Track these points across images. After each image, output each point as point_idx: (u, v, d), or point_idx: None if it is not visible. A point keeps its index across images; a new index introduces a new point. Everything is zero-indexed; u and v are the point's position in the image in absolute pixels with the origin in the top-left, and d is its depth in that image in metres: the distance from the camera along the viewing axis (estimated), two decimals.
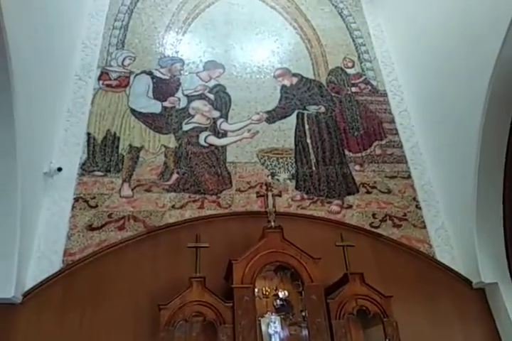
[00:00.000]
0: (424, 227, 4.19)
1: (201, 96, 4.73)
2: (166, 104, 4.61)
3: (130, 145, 4.29)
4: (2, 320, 3.19)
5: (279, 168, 4.37)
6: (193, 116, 4.57)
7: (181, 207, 3.98)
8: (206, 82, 4.85)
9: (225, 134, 4.52)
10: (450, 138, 4.19)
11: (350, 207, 4.21)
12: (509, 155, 3.55)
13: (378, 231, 4.08)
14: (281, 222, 3.40)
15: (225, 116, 4.64)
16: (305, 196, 4.22)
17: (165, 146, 4.34)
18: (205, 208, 4.01)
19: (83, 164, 4.10)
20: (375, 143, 4.70)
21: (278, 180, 4.28)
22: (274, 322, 3.10)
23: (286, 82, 5.04)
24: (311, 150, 4.54)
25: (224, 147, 4.43)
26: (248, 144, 4.48)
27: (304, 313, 3.06)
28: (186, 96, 4.71)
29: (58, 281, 3.43)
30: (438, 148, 4.45)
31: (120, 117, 4.45)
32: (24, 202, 3.19)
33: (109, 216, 3.85)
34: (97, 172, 4.08)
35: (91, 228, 3.76)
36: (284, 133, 4.61)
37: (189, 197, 4.05)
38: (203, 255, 3.21)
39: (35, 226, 3.61)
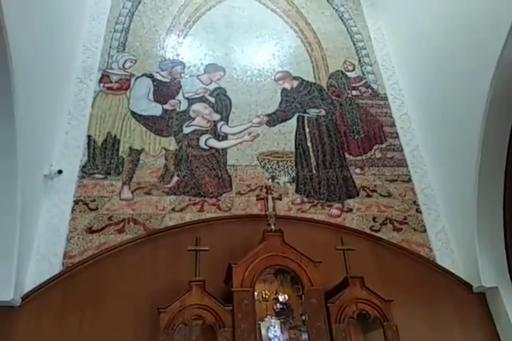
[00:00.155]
0: (425, 231, 4.19)
1: (202, 99, 4.74)
2: (167, 106, 4.62)
3: (130, 148, 4.29)
4: (1, 323, 3.18)
5: (280, 171, 4.37)
6: (193, 119, 4.57)
7: (181, 210, 3.97)
8: (207, 85, 4.86)
9: (225, 137, 4.52)
10: (451, 142, 4.19)
11: (350, 210, 4.21)
12: (510, 158, 3.55)
13: (378, 234, 4.07)
14: (282, 225, 3.40)
15: (225, 119, 4.65)
16: (305, 199, 4.22)
17: (165, 149, 4.34)
18: (205, 211, 4.00)
19: (83, 166, 4.09)
20: (375, 147, 4.70)
21: (278, 183, 4.28)
22: (274, 326, 3.09)
23: (287, 85, 5.05)
24: (311, 154, 4.54)
25: (224, 150, 4.43)
26: (248, 147, 4.48)
27: (303, 317, 3.06)
28: (187, 99, 4.72)
29: (58, 284, 3.42)
30: (438, 152, 4.45)
31: (121, 120, 4.46)
32: (24, 205, 3.19)
33: (109, 219, 3.84)
34: (97, 175, 4.08)
35: (91, 231, 3.76)
36: (284, 137, 4.62)
37: (189, 200, 4.05)
38: (203, 258, 3.21)
39: (35, 229, 3.61)
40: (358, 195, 4.33)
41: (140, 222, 3.86)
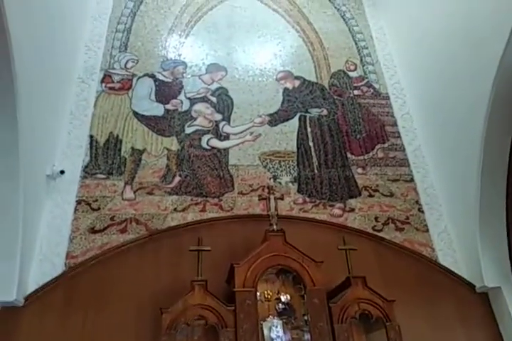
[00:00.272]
0: (427, 231, 4.18)
1: (204, 99, 4.74)
2: (169, 106, 4.62)
3: (132, 148, 4.30)
4: (4, 323, 3.19)
5: (281, 171, 4.37)
6: (195, 119, 4.57)
7: (183, 210, 3.98)
8: (209, 85, 4.86)
9: (227, 137, 4.52)
10: (453, 141, 4.18)
11: (352, 210, 4.21)
12: None
13: (381, 234, 4.07)
14: (284, 225, 3.39)
15: (227, 118, 4.65)
16: (307, 199, 4.22)
17: (167, 149, 4.34)
18: (207, 211, 4.00)
19: (86, 167, 4.10)
20: (377, 146, 4.70)
21: (280, 183, 4.28)
22: (276, 326, 3.09)
23: (289, 85, 5.05)
24: (313, 153, 4.54)
25: (226, 150, 4.43)
26: (250, 147, 4.48)
27: (306, 317, 3.05)
28: (189, 99, 4.72)
29: (60, 284, 3.43)
30: (441, 152, 4.44)
31: (123, 120, 4.46)
32: (26, 205, 3.20)
33: (112, 219, 3.85)
34: (99, 175, 4.08)
35: (93, 231, 3.76)
36: (286, 136, 4.61)
37: (191, 200, 4.05)
38: (205, 258, 3.21)
39: (38, 229, 3.62)
40: (360, 194, 4.33)
41: (142, 222, 3.87)
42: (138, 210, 3.93)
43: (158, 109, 4.59)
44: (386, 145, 4.73)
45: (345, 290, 3.17)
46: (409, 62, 5.15)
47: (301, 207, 4.15)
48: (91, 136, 4.29)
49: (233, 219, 3.96)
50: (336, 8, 5.92)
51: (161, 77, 4.84)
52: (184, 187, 4.13)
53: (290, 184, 4.29)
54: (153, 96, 4.68)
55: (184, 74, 4.92)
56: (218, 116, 4.64)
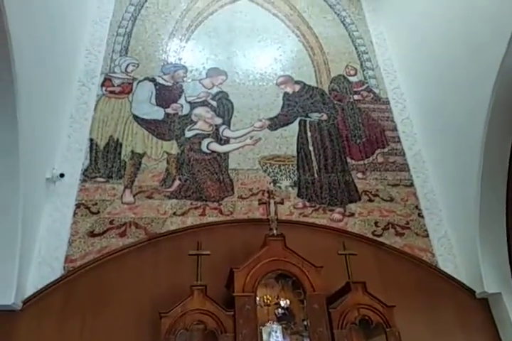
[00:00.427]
0: (427, 236, 4.17)
1: (204, 103, 4.74)
2: (169, 110, 4.63)
3: (132, 152, 4.30)
4: (2, 326, 3.17)
5: (281, 175, 4.37)
6: (195, 123, 4.58)
7: (183, 214, 3.97)
8: (209, 89, 4.87)
9: (227, 141, 4.52)
10: (453, 146, 4.18)
11: (352, 215, 4.20)
12: None
13: (380, 239, 4.06)
14: (283, 229, 3.39)
15: (227, 123, 4.65)
16: (307, 203, 4.21)
17: (167, 153, 4.34)
18: (207, 215, 4.00)
19: (85, 170, 4.10)
20: (377, 151, 4.70)
21: (280, 187, 4.28)
22: (276, 332, 3.07)
23: (289, 90, 5.06)
24: (313, 158, 4.54)
25: (226, 154, 4.43)
26: (250, 151, 4.48)
27: (305, 322, 3.04)
28: (189, 103, 4.72)
29: (59, 288, 3.42)
30: (441, 156, 4.44)
31: (123, 123, 4.47)
32: (26, 208, 3.19)
33: (111, 222, 3.84)
34: (99, 179, 4.08)
35: (92, 234, 3.75)
36: (286, 141, 4.62)
37: (191, 204, 4.05)
38: (204, 262, 3.20)
39: (37, 232, 3.61)
40: (359, 199, 4.32)
41: (141, 225, 3.86)
42: (137, 214, 3.92)
43: (158, 113, 4.59)
44: (386, 150, 4.73)
45: (345, 296, 3.16)
46: (409, 67, 5.16)
47: (301, 212, 4.14)
48: (91, 140, 4.29)
49: (233, 224, 3.95)
50: (336, 13, 5.95)
51: (161, 81, 4.85)
52: (184, 191, 4.12)
53: (290, 188, 4.29)
54: (153, 100, 4.68)
55: (184, 79, 4.93)
56: (218, 120, 4.65)
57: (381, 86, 5.26)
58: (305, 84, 5.13)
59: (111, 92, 4.67)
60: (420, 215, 4.30)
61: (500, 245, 3.70)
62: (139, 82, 4.81)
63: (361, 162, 4.59)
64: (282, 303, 3.22)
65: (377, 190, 4.40)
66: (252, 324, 2.90)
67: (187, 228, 3.86)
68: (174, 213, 3.97)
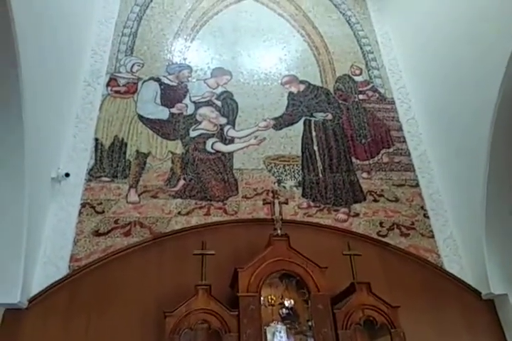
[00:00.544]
0: (432, 237, 4.15)
1: (208, 103, 4.74)
2: (174, 110, 4.63)
3: (137, 151, 4.31)
4: (8, 325, 3.19)
5: (286, 175, 4.36)
6: (200, 123, 4.58)
7: (187, 214, 3.97)
8: (214, 89, 4.87)
9: (231, 141, 4.52)
10: (458, 147, 4.16)
11: (357, 215, 4.18)
12: None
13: (386, 240, 4.04)
14: (288, 229, 3.38)
15: (232, 122, 4.65)
16: (311, 204, 4.20)
17: (172, 152, 4.35)
18: (212, 215, 4.00)
19: (90, 170, 4.11)
20: (382, 151, 4.68)
21: (284, 187, 4.27)
22: (280, 332, 3.06)
23: (294, 89, 5.05)
24: (318, 158, 4.52)
25: (231, 154, 4.43)
26: (255, 151, 4.48)
27: (310, 323, 3.03)
28: (194, 102, 4.73)
29: (64, 287, 3.43)
30: (446, 157, 4.42)
31: (128, 123, 4.48)
32: (31, 207, 3.20)
33: (116, 222, 3.85)
34: (104, 178, 4.09)
35: (97, 234, 3.76)
36: (290, 140, 4.61)
37: (195, 203, 4.05)
38: (209, 262, 3.20)
39: (42, 232, 3.62)
40: (364, 199, 4.31)
41: (146, 225, 3.86)
42: (142, 213, 3.93)
43: (163, 113, 4.60)
44: (391, 150, 4.71)
45: (349, 296, 3.15)
46: (415, 67, 5.14)
47: (306, 212, 4.13)
48: (96, 139, 4.30)
49: (237, 223, 3.95)
50: (341, 12, 5.93)
51: (166, 81, 4.86)
52: (188, 190, 4.13)
53: (294, 188, 4.28)
54: (158, 100, 4.69)
55: (189, 78, 4.93)
56: (223, 120, 4.65)
57: (386, 86, 5.24)
58: (310, 84, 5.12)
59: (116, 92, 4.69)
60: (426, 216, 4.27)
61: (506, 246, 3.67)
62: (144, 81, 4.82)
63: (366, 162, 4.57)
64: (287, 303, 3.21)
65: (382, 190, 4.38)
66: (257, 324, 2.90)
67: (191, 227, 3.86)
68: (179, 213, 3.97)
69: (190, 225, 3.89)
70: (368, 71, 5.36)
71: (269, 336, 3.04)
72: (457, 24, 4.16)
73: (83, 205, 3.90)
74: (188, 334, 2.99)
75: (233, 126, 4.62)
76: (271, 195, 3.89)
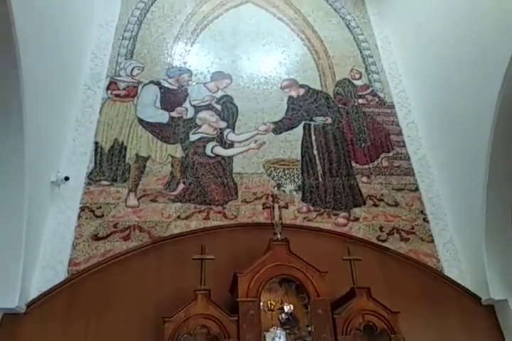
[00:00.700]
0: (432, 241, 4.14)
1: (208, 107, 4.75)
2: (174, 114, 4.63)
3: (137, 155, 4.30)
4: (6, 330, 3.18)
5: (286, 179, 4.35)
6: (200, 127, 4.58)
7: (187, 218, 3.97)
8: (213, 93, 4.87)
9: (231, 145, 4.52)
10: (458, 151, 4.16)
11: (356, 219, 4.18)
12: None
13: (385, 244, 4.03)
14: (287, 234, 3.37)
15: (231, 126, 4.65)
16: (311, 208, 4.20)
17: (172, 156, 4.34)
18: (211, 219, 3.99)
19: (90, 173, 4.11)
20: (382, 155, 4.68)
21: (284, 191, 4.26)
22: (280, 337, 3.03)
23: (293, 93, 5.05)
24: (317, 162, 4.52)
25: (230, 157, 4.42)
26: (255, 155, 4.48)
27: (309, 328, 3.01)
28: (194, 106, 4.73)
29: (62, 291, 3.42)
30: (446, 161, 4.42)
31: (128, 127, 4.48)
32: (31, 211, 3.20)
33: (115, 226, 3.84)
34: (103, 182, 4.08)
35: (96, 238, 3.75)
36: (290, 144, 4.61)
37: (195, 207, 4.04)
38: (208, 266, 3.19)
39: (41, 235, 3.61)
40: (364, 203, 4.30)
41: (145, 229, 3.85)
42: (141, 217, 3.92)
43: (163, 116, 4.60)
44: (391, 154, 4.71)
45: (349, 301, 3.14)
46: (415, 71, 5.15)
47: (306, 216, 4.13)
48: (96, 143, 4.30)
49: (237, 228, 3.94)
50: (341, 16, 5.95)
51: (166, 85, 4.86)
52: (188, 194, 4.12)
53: (294, 192, 4.27)
54: (158, 104, 4.69)
55: (189, 82, 4.94)
56: (223, 124, 4.65)
57: (386, 90, 5.25)
58: (310, 88, 5.12)
59: (116, 96, 4.69)
60: (425, 220, 4.27)
61: (506, 251, 3.66)
62: (144, 85, 4.83)
63: (366, 166, 4.57)
64: (286, 308, 3.18)
65: (381, 195, 4.38)
66: (256, 329, 2.89)
67: (191, 232, 3.86)
68: (178, 217, 3.96)
69: (189, 229, 3.88)
70: (368, 75, 5.37)
71: None
72: (457, 27, 4.17)
73: (82, 209, 3.89)
74: (187, 339, 2.96)
75: (233, 130, 4.62)
76: (271, 199, 3.88)
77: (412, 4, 5.25)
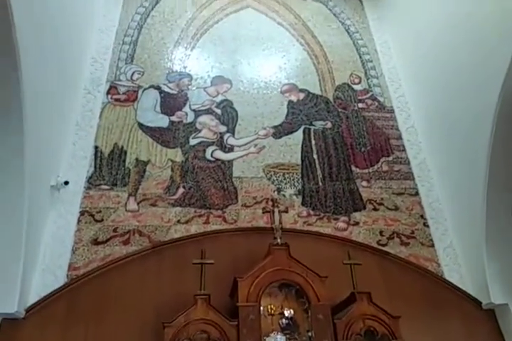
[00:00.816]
0: (432, 246, 4.13)
1: (208, 111, 4.75)
2: (174, 118, 4.64)
3: (137, 159, 4.30)
4: (5, 335, 3.15)
5: (286, 184, 4.35)
6: (200, 131, 4.58)
7: (187, 222, 3.96)
8: (213, 97, 4.88)
9: (231, 149, 4.52)
10: (458, 155, 4.16)
11: (357, 223, 4.17)
12: None
13: (386, 249, 4.03)
14: (287, 238, 3.37)
15: (231, 130, 4.65)
16: (311, 212, 4.19)
17: (171, 160, 4.34)
18: (211, 223, 3.98)
19: (90, 177, 4.10)
20: (382, 159, 4.68)
21: (284, 195, 4.26)
22: None
23: (293, 98, 5.06)
24: (317, 166, 4.52)
25: (230, 162, 4.42)
26: (254, 159, 4.48)
27: (310, 333, 3.00)
28: (194, 110, 4.74)
29: (62, 296, 3.40)
30: (446, 165, 4.42)
31: (128, 131, 4.48)
32: (30, 215, 3.19)
33: (115, 230, 3.83)
34: (103, 186, 4.08)
35: (96, 242, 3.74)
36: (290, 149, 4.61)
37: (195, 211, 4.04)
38: (208, 271, 3.18)
39: (41, 240, 3.60)
40: (364, 208, 4.30)
41: (145, 233, 3.85)
42: (141, 222, 3.91)
43: (163, 121, 4.61)
44: (391, 158, 4.72)
45: (350, 306, 3.12)
46: (414, 76, 5.17)
47: (306, 220, 4.12)
48: (96, 147, 4.30)
49: (237, 232, 3.93)
50: (340, 21, 5.98)
51: (166, 89, 4.87)
52: (188, 198, 4.12)
53: (294, 196, 4.27)
54: (158, 108, 4.70)
55: (189, 87, 4.95)
56: (223, 128, 4.65)
57: (386, 94, 5.26)
58: (309, 93, 5.14)
59: (116, 100, 4.70)
60: (425, 224, 4.27)
61: (506, 255, 3.66)
62: (144, 89, 4.83)
63: (366, 170, 4.57)
64: (286, 313, 3.17)
65: (382, 199, 4.38)
66: (256, 334, 2.88)
67: (191, 236, 3.84)
68: (178, 221, 3.96)
69: (189, 234, 3.87)
70: (367, 80, 5.38)
71: None
72: (457, 31, 4.19)
73: (82, 213, 3.88)
74: None
75: (233, 134, 4.63)
76: (270, 203, 3.89)
77: (411, 9, 5.28)
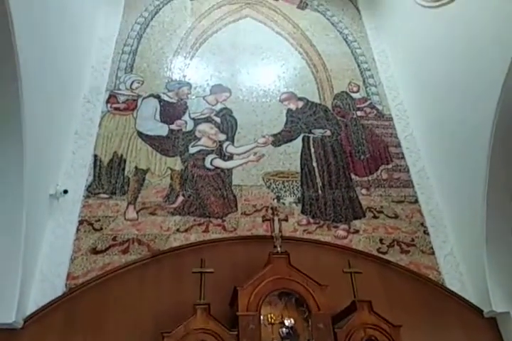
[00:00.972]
0: (433, 253, 4.12)
1: (208, 120, 4.77)
2: (173, 127, 4.65)
3: (136, 168, 4.30)
4: None
5: (285, 192, 4.35)
6: (199, 139, 4.59)
7: (186, 231, 3.94)
8: (213, 106, 4.90)
9: (230, 157, 4.53)
10: (457, 162, 4.17)
11: (357, 231, 4.16)
12: None
13: (386, 257, 4.01)
14: (287, 246, 3.35)
15: (231, 139, 4.66)
16: (311, 220, 4.18)
17: (171, 169, 4.34)
18: (210, 232, 3.97)
19: (89, 186, 4.10)
20: (381, 167, 4.69)
21: (284, 203, 4.25)
22: None
23: (292, 106, 5.08)
24: (317, 174, 4.53)
25: (230, 170, 4.43)
26: (254, 167, 4.48)
27: None
28: (193, 119, 4.75)
29: (60, 306, 3.37)
30: (445, 172, 4.42)
31: (127, 140, 4.49)
32: (29, 225, 3.17)
33: (114, 239, 3.82)
34: (102, 195, 4.07)
35: (95, 251, 3.72)
36: (289, 157, 4.62)
37: (194, 220, 4.02)
38: (208, 280, 3.16)
39: (39, 249, 3.58)
40: (364, 216, 4.29)
41: (144, 242, 3.83)
42: (140, 230, 3.90)
43: (162, 129, 4.62)
44: (390, 166, 4.72)
45: (351, 315, 3.10)
46: (412, 84, 5.20)
47: (305, 228, 4.11)
48: (95, 156, 4.30)
49: (236, 240, 3.92)
50: (338, 31, 6.03)
51: (165, 98, 4.89)
52: (187, 207, 4.11)
53: (294, 205, 4.26)
54: (157, 117, 4.71)
55: (189, 95, 4.97)
56: (222, 137, 4.66)
57: (384, 102, 5.29)
58: (308, 101, 5.16)
59: (116, 109, 4.71)
60: (425, 232, 4.25)
61: (508, 262, 3.64)
62: (144, 98, 4.85)
63: (365, 178, 4.57)
64: (287, 322, 3.14)
65: (381, 207, 4.37)
66: None
67: (190, 245, 3.83)
68: (177, 229, 3.94)
69: (188, 242, 3.85)
70: (366, 88, 5.42)
71: None
72: (455, 40, 4.21)
73: (81, 222, 3.87)
74: None
75: (232, 142, 4.64)
76: (270, 211, 3.86)
77: (408, 19, 5.33)
